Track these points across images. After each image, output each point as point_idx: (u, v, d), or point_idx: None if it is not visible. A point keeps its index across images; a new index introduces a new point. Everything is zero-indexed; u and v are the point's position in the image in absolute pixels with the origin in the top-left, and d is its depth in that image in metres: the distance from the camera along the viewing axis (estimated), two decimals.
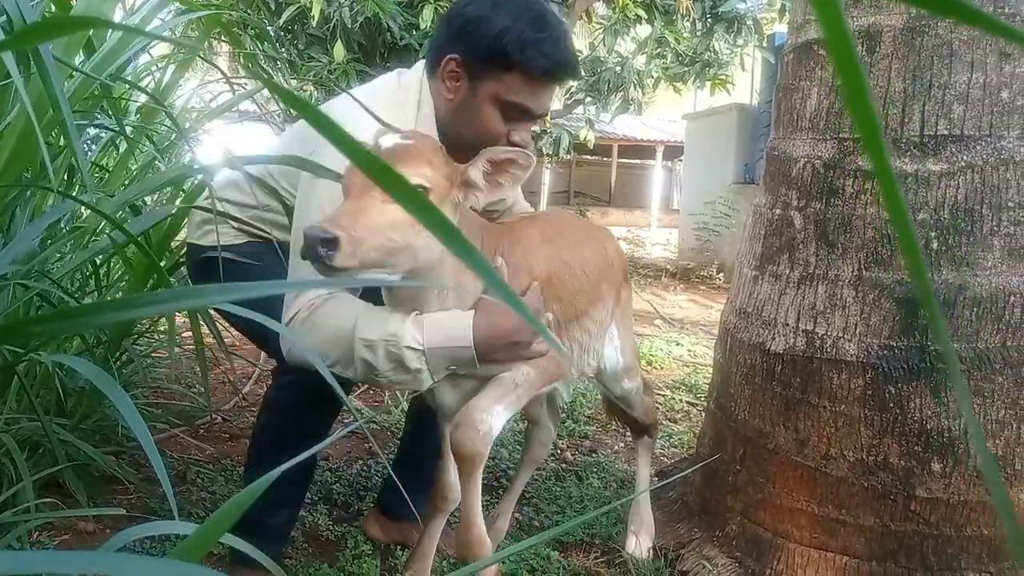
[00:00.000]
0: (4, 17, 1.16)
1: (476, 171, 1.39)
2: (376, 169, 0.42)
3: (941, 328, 0.32)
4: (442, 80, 1.64)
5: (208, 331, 2.33)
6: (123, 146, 2.42)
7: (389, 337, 1.41)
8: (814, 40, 1.83)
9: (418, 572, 1.77)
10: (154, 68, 2.70)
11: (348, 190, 1.28)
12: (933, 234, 1.67)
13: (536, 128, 6.30)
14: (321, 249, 1.15)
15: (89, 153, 2.52)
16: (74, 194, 2.16)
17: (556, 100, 7.07)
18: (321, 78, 5.70)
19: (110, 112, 1.97)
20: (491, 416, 1.47)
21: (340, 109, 1.61)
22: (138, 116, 2.50)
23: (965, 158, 1.67)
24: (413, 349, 1.41)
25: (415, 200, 0.42)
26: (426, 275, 1.37)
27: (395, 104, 1.64)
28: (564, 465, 2.71)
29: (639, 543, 2.01)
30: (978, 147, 1.66)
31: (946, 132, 1.67)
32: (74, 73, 1.58)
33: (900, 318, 1.68)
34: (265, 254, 1.76)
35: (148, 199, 2.44)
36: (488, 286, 0.39)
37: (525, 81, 1.58)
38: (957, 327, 1.65)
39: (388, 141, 1.34)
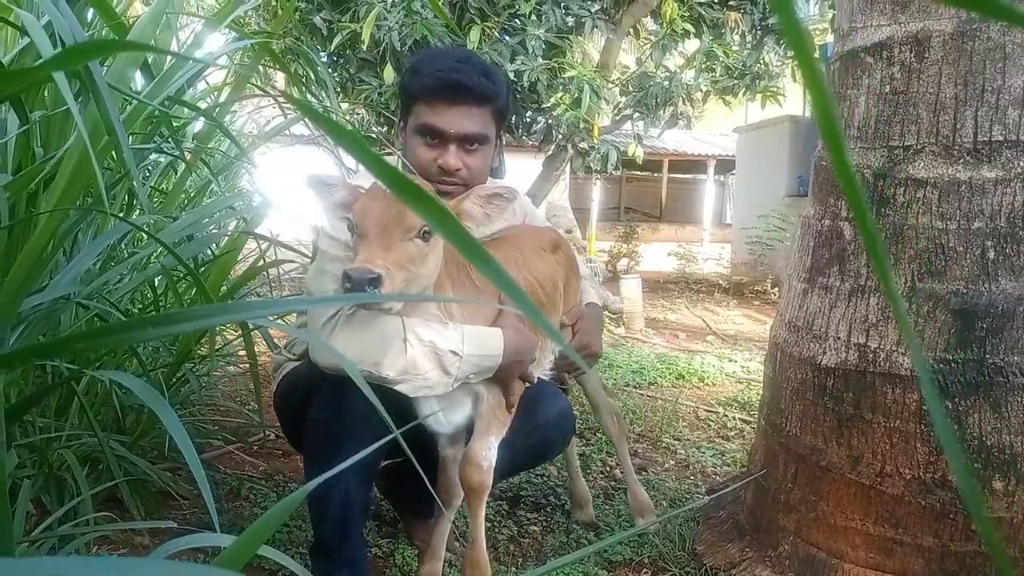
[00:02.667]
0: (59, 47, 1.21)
1: (471, 205, 1.60)
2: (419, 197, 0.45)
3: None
4: (398, 139, 1.92)
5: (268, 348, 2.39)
6: (180, 168, 2.49)
7: (436, 338, 1.57)
8: (860, 48, 1.80)
9: (431, 571, 1.82)
10: (211, 94, 2.79)
11: (364, 230, 1.46)
12: (989, 243, 1.62)
13: (584, 144, 6.32)
14: (368, 287, 1.35)
15: (148, 175, 2.61)
16: (133, 216, 2.24)
17: (604, 116, 7.07)
18: (371, 100, 5.81)
19: (168, 136, 2.04)
20: (490, 451, 1.71)
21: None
22: (194, 140, 2.58)
23: (1022, 164, 1.61)
24: (455, 353, 1.58)
25: (454, 227, 0.45)
26: (425, 294, 1.60)
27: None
28: (614, 483, 2.68)
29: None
30: None
31: (1001, 138, 1.62)
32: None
33: (956, 330, 1.63)
34: None
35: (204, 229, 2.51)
36: (514, 302, 0.42)
37: (425, 104, 1.77)
38: (1018, 339, 1.59)
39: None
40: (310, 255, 1.86)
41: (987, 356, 1.60)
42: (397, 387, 1.56)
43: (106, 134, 1.35)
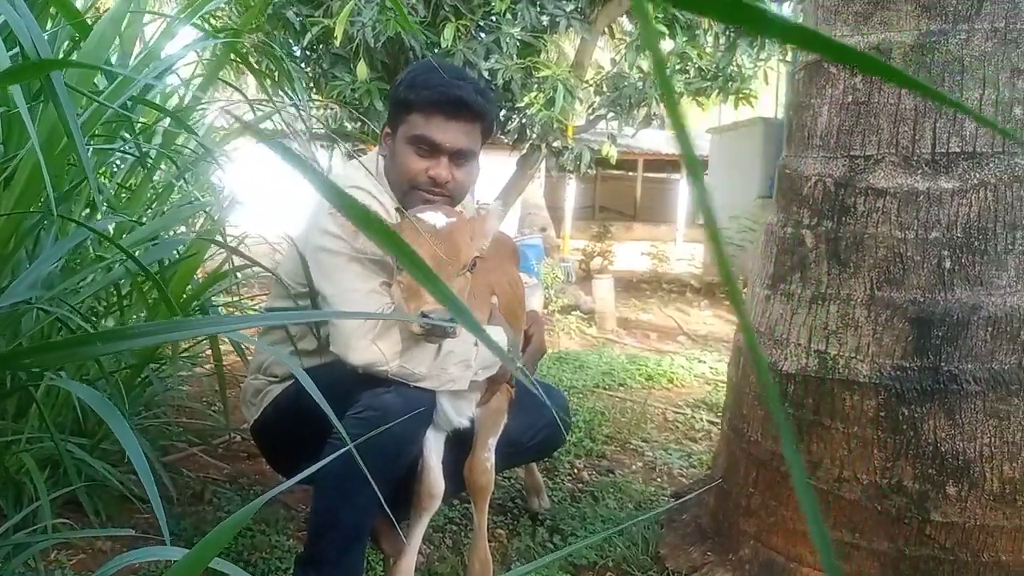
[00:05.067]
0: (16, 48, 1.19)
1: (490, 225, 1.73)
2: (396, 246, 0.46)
3: None
4: (381, 145, 1.92)
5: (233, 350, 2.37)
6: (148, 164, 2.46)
7: (465, 334, 1.65)
8: (824, 57, 1.82)
9: (407, 567, 1.81)
10: (180, 90, 2.75)
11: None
12: (946, 253, 1.65)
13: (558, 144, 6.33)
14: (448, 328, 1.50)
15: (115, 172, 2.57)
16: (97, 217, 2.20)
17: (579, 116, 7.09)
18: (345, 97, 5.77)
19: (134, 137, 2.01)
20: (491, 454, 1.85)
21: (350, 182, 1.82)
22: (163, 136, 2.55)
23: (978, 176, 1.64)
24: (475, 345, 1.70)
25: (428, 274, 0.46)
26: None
27: (366, 175, 1.89)
28: (580, 485, 2.69)
29: (539, 502, 2.41)
30: (991, 164, 1.64)
31: (958, 149, 1.65)
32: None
33: (913, 338, 1.66)
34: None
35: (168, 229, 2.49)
36: (480, 340, 0.47)
37: (422, 115, 1.78)
38: (971, 347, 1.63)
39: (437, 220, 1.62)
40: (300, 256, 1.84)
41: (942, 364, 1.64)
42: (423, 383, 1.65)
43: (66, 136, 1.33)
